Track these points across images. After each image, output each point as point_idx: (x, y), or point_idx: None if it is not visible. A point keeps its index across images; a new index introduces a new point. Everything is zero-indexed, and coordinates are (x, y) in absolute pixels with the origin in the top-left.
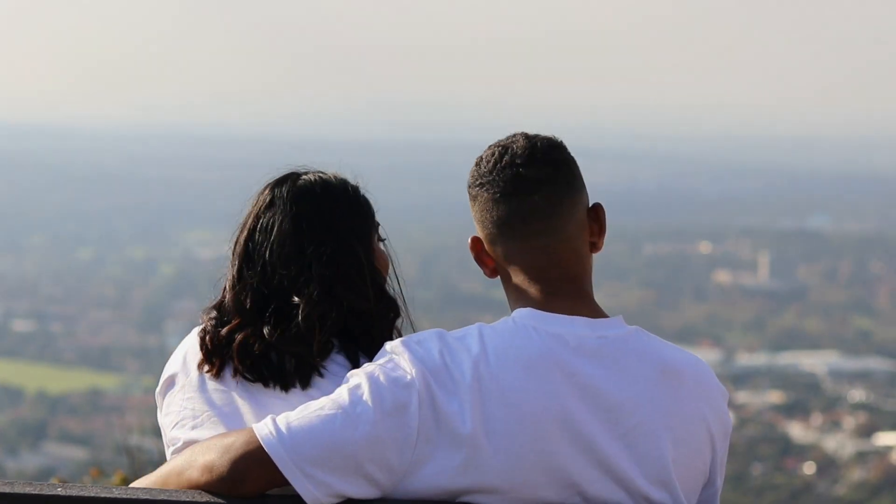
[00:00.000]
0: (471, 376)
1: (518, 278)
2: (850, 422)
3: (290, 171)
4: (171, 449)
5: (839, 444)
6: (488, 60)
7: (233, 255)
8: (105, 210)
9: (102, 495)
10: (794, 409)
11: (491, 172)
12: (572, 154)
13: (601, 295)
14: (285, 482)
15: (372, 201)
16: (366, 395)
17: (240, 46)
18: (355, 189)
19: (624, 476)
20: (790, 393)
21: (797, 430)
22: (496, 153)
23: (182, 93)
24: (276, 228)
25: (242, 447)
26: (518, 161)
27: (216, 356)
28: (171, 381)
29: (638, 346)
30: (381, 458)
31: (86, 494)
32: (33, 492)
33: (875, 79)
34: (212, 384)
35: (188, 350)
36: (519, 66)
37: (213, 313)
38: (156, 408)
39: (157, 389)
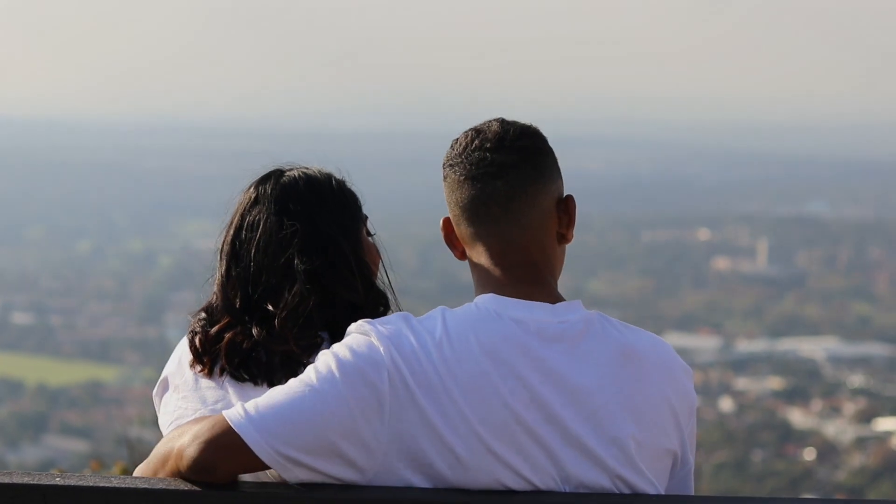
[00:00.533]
0: (436, 360)
1: (480, 261)
2: (849, 407)
3: (275, 167)
4: None
5: (839, 429)
6: (488, 50)
7: (220, 253)
8: (104, 202)
9: (101, 485)
10: (794, 396)
11: (461, 154)
12: (551, 143)
13: (601, 283)
14: (256, 467)
15: (360, 194)
16: (334, 372)
17: (239, 38)
18: (340, 183)
19: (597, 456)
20: (790, 379)
21: (797, 417)
22: (469, 136)
23: (180, 84)
24: (261, 226)
25: (209, 431)
26: (487, 145)
27: (206, 355)
28: (166, 383)
29: (598, 329)
30: (353, 433)
31: (84, 484)
32: (32, 482)
33: (873, 65)
34: (204, 382)
35: (183, 352)
36: (519, 54)
37: (202, 315)
38: (153, 401)
39: (154, 391)
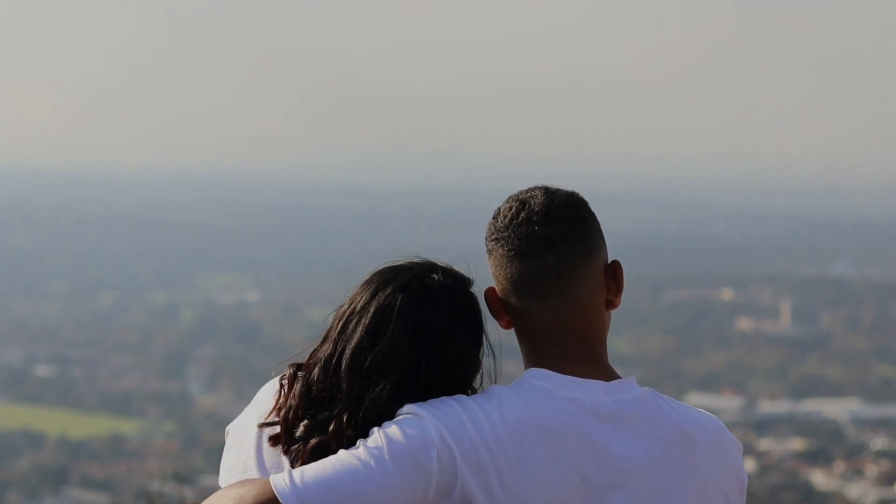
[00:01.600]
0: (489, 437)
1: (531, 336)
2: (872, 469)
3: (416, 265)
4: None
5: (862, 491)
6: (507, 104)
7: (338, 338)
8: (126, 255)
9: None
10: (817, 457)
11: (507, 228)
12: (592, 208)
13: (623, 341)
14: None
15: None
16: (384, 452)
17: (263, 91)
18: (475, 299)
19: None
20: (812, 440)
21: (819, 478)
22: (514, 208)
23: (203, 138)
24: (386, 341)
25: (254, 498)
26: (535, 219)
27: (287, 438)
28: (241, 426)
29: (653, 409)
30: None
31: None
32: None
33: None
34: (266, 443)
35: (263, 405)
36: (540, 110)
37: (299, 386)
38: (175, 454)
39: (231, 425)
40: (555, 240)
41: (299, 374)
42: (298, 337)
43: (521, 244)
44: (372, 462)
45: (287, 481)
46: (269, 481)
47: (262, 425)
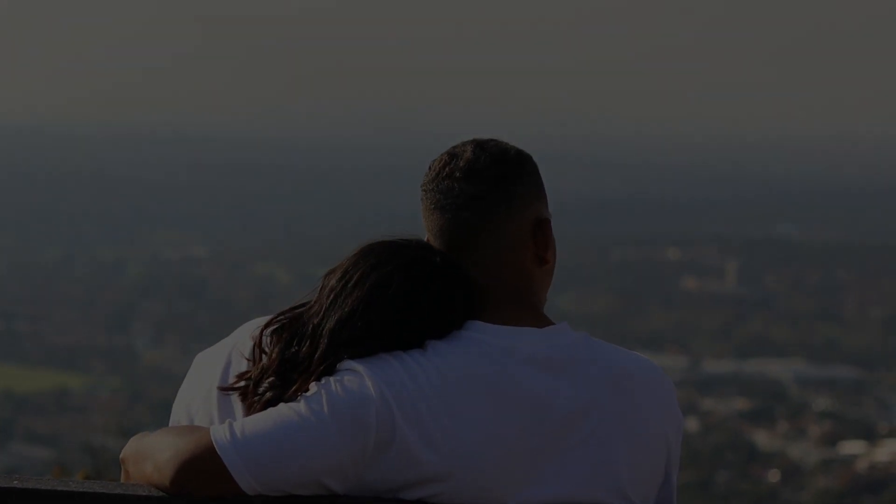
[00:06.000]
0: (429, 393)
1: None
2: (815, 430)
3: (412, 244)
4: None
5: (804, 451)
6: (464, 67)
7: (328, 310)
8: (73, 211)
9: (59, 488)
10: (760, 417)
11: (433, 181)
12: (534, 162)
13: (569, 300)
14: (232, 492)
15: None
16: (324, 407)
17: (210, 47)
18: (472, 284)
19: (585, 483)
20: (756, 400)
21: (762, 438)
22: (443, 161)
23: (151, 94)
24: (380, 312)
25: (192, 451)
26: (458, 174)
27: (244, 397)
28: (209, 357)
29: (588, 352)
30: (337, 470)
31: (42, 487)
32: None
33: (845, 88)
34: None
35: (238, 349)
36: (495, 73)
37: (278, 349)
38: (120, 409)
39: (200, 354)
40: (474, 197)
41: (283, 335)
42: (245, 293)
43: (442, 199)
44: (312, 417)
45: (227, 434)
46: (208, 432)
47: (223, 389)
